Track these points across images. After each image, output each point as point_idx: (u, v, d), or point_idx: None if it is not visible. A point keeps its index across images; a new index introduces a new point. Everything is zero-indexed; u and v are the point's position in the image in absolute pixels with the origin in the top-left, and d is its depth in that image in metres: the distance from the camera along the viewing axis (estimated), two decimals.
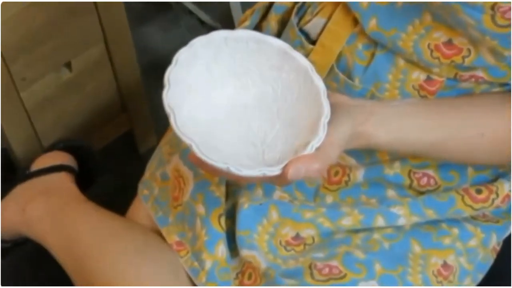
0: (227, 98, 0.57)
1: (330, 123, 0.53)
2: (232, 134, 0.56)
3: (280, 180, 0.52)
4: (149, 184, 0.75)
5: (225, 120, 0.57)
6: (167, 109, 0.50)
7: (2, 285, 0.79)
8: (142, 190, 0.75)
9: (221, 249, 0.66)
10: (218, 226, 0.66)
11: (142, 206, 0.75)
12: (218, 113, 0.57)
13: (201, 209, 0.67)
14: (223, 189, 0.68)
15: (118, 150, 1.16)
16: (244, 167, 0.50)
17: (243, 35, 0.56)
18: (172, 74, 0.52)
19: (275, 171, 0.51)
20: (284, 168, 0.51)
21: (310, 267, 0.64)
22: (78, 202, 0.80)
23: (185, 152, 0.71)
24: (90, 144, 0.98)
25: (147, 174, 0.77)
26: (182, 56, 0.53)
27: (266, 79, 0.57)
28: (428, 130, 0.57)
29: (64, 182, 0.86)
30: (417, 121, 0.57)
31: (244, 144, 0.56)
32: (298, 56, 0.56)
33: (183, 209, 0.70)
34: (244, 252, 0.66)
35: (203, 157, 0.49)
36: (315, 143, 0.51)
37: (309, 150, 0.51)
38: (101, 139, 1.09)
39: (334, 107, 0.54)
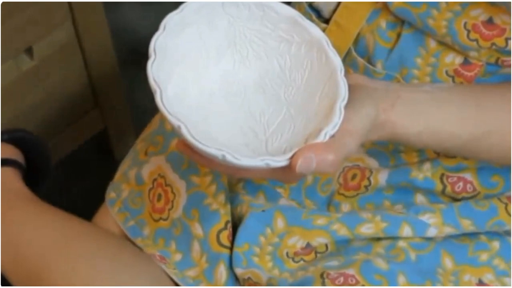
0: (223, 74, 0.57)
1: (347, 107, 0.52)
2: (228, 119, 0.56)
3: (287, 174, 0.51)
4: (118, 186, 0.75)
5: (220, 102, 0.57)
6: (153, 84, 0.50)
7: (3, 285, 0.79)
8: (109, 193, 0.75)
9: (220, 271, 0.67)
10: (218, 247, 0.67)
11: (110, 212, 0.74)
12: (211, 93, 0.56)
13: (198, 229, 0.68)
14: (221, 198, 0.68)
15: (89, 154, 1.16)
16: (243, 156, 0.50)
17: None
18: (159, 42, 0.52)
19: (281, 161, 0.50)
20: (292, 159, 0.50)
21: (322, 276, 0.63)
22: (27, 202, 0.78)
23: (174, 155, 0.71)
24: (40, 137, 0.96)
25: (117, 174, 0.77)
26: (171, 21, 0.53)
27: (272, 53, 0.57)
28: (466, 122, 0.57)
29: (9, 179, 0.84)
30: (453, 110, 0.57)
31: (243, 132, 0.56)
32: (311, 26, 0.55)
33: (169, 225, 0.70)
34: (239, 271, 0.66)
35: (194, 142, 0.49)
36: (330, 129, 0.51)
37: (322, 138, 0.51)
38: (69, 141, 1.07)
39: (352, 90, 0.53)
